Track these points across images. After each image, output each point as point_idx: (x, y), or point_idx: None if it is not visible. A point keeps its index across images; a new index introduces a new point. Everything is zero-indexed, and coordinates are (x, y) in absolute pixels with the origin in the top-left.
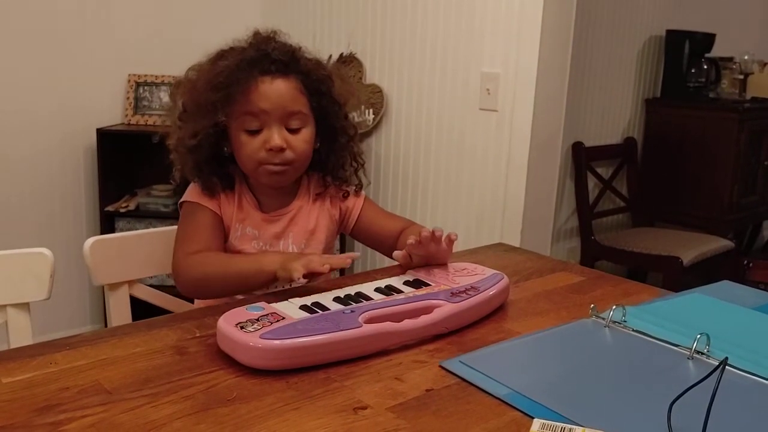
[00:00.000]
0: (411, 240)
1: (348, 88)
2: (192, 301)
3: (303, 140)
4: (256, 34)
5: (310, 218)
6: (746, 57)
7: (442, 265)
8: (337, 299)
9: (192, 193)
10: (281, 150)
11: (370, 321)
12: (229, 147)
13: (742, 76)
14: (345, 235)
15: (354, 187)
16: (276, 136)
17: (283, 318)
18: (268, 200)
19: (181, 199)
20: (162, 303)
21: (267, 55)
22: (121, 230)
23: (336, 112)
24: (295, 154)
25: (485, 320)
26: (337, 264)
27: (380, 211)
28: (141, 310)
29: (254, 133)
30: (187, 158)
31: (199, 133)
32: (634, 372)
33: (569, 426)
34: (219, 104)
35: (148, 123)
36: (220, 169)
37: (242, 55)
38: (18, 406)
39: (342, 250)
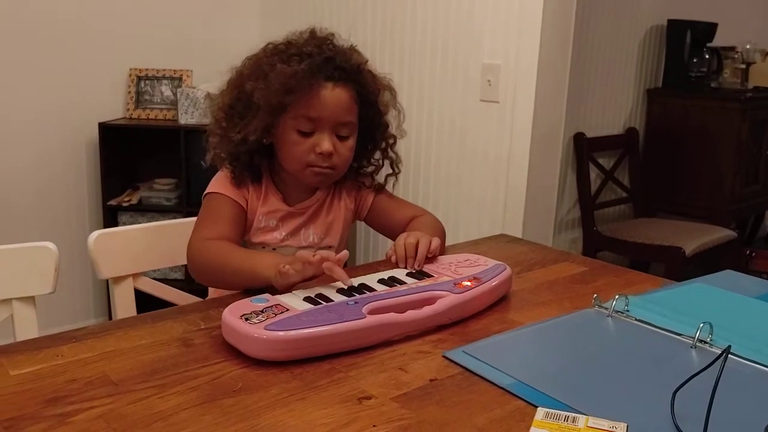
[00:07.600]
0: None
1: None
2: (200, 294)
3: (349, 148)
4: (312, 32)
5: (330, 210)
6: (748, 46)
7: (444, 256)
8: (340, 291)
9: (218, 184)
10: (330, 155)
11: (373, 312)
12: (269, 138)
13: (744, 66)
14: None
15: (375, 185)
16: (327, 142)
17: (288, 309)
18: (293, 193)
19: (207, 191)
20: (166, 296)
21: (332, 59)
22: (124, 224)
23: (380, 120)
24: (340, 160)
25: (488, 311)
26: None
27: (392, 200)
28: (145, 303)
29: (306, 135)
30: (228, 146)
31: (258, 129)
32: (637, 361)
33: (573, 414)
34: (289, 105)
35: (150, 117)
36: (253, 161)
37: (311, 59)
38: (26, 398)
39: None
